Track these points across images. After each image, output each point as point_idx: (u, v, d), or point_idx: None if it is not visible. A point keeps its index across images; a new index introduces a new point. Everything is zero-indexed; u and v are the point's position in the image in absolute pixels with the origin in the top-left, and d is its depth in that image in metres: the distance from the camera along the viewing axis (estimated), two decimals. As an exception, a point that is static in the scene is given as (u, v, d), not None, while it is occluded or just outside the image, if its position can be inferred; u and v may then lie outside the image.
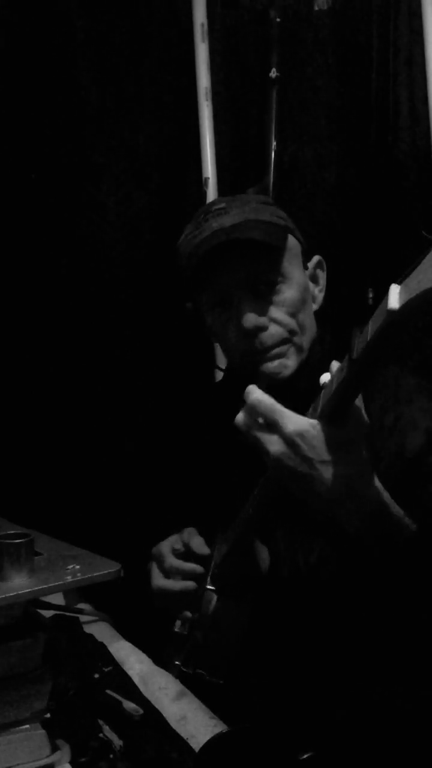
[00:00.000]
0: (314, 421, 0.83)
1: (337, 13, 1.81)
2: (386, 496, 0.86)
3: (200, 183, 1.73)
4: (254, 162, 1.79)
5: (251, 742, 0.88)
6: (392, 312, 0.67)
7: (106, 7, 1.75)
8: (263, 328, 1.11)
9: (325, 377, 0.83)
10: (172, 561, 1.17)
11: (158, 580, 1.18)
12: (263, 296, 1.12)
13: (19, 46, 1.70)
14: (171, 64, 1.78)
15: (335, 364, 0.83)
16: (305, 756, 0.86)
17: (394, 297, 0.67)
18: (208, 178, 1.73)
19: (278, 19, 1.78)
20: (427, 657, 0.98)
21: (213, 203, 1.20)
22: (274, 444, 0.85)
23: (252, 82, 1.81)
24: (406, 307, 0.66)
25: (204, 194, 1.72)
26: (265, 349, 1.11)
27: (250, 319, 1.10)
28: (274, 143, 1.75)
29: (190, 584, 1.15)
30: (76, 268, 1.78)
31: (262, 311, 1.11)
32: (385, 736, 0.98)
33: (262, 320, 1.11)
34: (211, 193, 1.72)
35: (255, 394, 0.86)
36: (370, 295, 1.65)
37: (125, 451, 1.79)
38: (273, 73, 1.76)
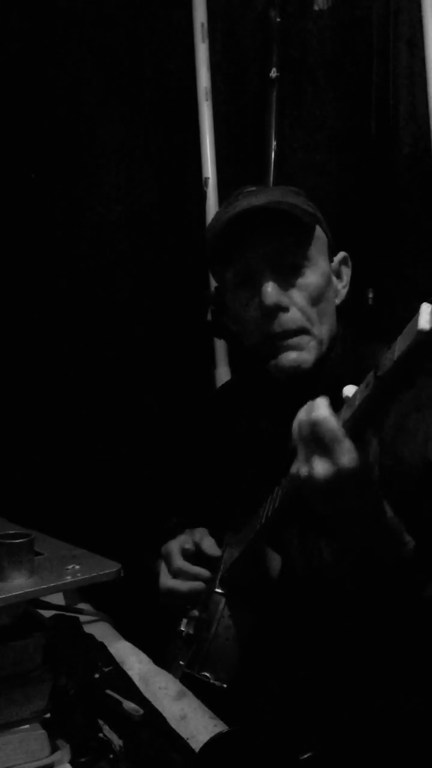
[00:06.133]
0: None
1: (337, 12, 1.81)
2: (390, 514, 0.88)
3: (200, 183, 1.73)
4: (254, 162, 1.79)
5: (251, 742, 0.88)
6: (422, 332, 0.65)
7: (107, 7, 1.76)
8: (284, 308, 1.07)
9: (349, 390, 0.81)
10: (181, 563, 1.16)
11: (166, 580, 1.18)
12: (287, 277, 1.08)
13: (18, 43, 1.70)
14: (171, 63, 1.78)
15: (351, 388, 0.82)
16: (305, 756, 0.86)
17: (425, 317, 0.65)
18: (208, 178, 1.72)
19: (278, 19, 1.78)
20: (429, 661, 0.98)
21: (244, 186, 1.17)
22: (320, 467, 0.83)
23: (252, 82, 1.81)
24: None
25: (204, 194, 1.72)
26: (284, 333, 1.07)
27: (272, 294, 1.06)
28: (274, 143, 1.75)
29: (198, 585, 1.14)
30: (77, 271, 1.78)
31: (284, 290, 1.07)
32: (385, 737, 0.98)
33: (284, 299, 1.07)
34: (211, 193, 1.72)
35: (322, 410, 0.83)
36: (370, 295, 1.65)
37: (126, 451, 1.80)
38: (273, 73, 1.76)
